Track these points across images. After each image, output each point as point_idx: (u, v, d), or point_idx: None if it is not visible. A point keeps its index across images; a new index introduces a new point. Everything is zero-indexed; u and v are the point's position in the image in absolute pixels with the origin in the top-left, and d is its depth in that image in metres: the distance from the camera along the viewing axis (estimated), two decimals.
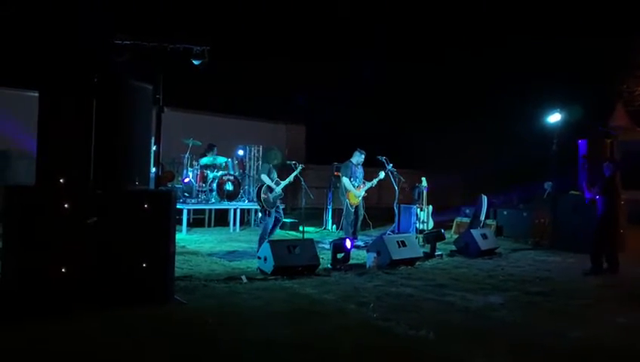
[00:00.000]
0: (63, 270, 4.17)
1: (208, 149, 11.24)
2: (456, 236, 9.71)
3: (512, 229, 10.63)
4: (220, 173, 10.67)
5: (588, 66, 15.19)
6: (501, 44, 16.10)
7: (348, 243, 6.71)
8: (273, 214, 7.78)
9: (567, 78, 14.90)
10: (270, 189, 7.70)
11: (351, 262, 7.10)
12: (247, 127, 14.98)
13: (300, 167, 7.78)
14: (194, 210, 10.99)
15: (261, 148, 11.95)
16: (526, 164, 15.46)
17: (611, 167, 7.08)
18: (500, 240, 9.70)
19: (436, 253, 7.87)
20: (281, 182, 7.86)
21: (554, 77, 15.12)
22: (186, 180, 10.44)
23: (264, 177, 7.72)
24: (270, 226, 7.78)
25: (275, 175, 7.88)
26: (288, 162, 8.15)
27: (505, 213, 10.95)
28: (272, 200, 7.76)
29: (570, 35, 15.51)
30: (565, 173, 9.84)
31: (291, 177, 7.86)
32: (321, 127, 17.11)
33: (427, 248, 8.00)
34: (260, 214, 8.20)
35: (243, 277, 5.77)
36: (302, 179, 7.93)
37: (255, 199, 7.70)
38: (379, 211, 12.60)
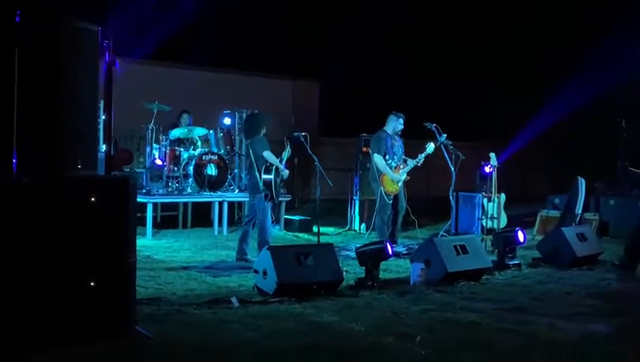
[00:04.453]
0: None
1: (180, 117, 11.28)
2: (540, 237, 9.63)
3: (623, 227, 10.46)
4: (199, 150, 10.72)
5: None
6: None
7: (388, 249, 6.71)
8: (270, 207, 7.93)
9: None
10: (277, 171, 7.82)
11: (386, 275, 7.07)
12: (237, 85, 15.01)
13: (288, 148, 7.97)
14: (163, 204, 11.07)
15: (248, 115, 11.94)
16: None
17: None
18: (605, 242, 9.59)
19: (512, 262, 7.83)
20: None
21: None
22: (158, 162, 10.52)
23: (269, 154, 7.90)
24: (270, 223, 7.92)
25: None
26: (296, 134, 8.18)
27: (612, 202, 10.83)
28: (279, 186, 7.94)
29: None
30: None
31: (283, 158, 8.01)
32: (342, 84, 17.03)
33: (498, 255, 7.94)
34: (248, 210, 8.31)
35: (233, 300, 5.80)
36: (315, 158, 7.93)
37: (263, 187, 7.81)
38: (428, 203, 12.55)
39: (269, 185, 7.79)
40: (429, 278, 6.71)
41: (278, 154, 8.08)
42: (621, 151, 9.15)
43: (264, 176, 7.81)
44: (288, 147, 8.08)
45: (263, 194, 7.84)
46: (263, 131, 8.08)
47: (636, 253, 7.78)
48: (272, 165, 7.81)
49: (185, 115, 11.34)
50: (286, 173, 8.07)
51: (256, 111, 10.01)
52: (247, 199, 8.46)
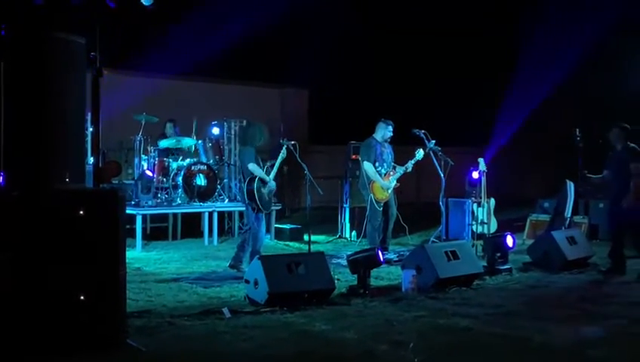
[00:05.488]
0: None
1: (164, 127, 11.26)
2: (530, 241, 9.65)
3: None
4: (187, 161, 10.69)
5: None
6: None
7: (380, 256, 6.70)
8: (263, 217, 7.87)
9: None
10: (263, 182, 7.78)
11: (377, 282, 7.08)
12: (225, 95, 15.00)
13: (284, 151, 7.88)
14: (152, 216, 11.03)
15: (245, 124, 11.94)
16: None
17: None
18: (595, 245, 9.64)
19: (503, 267, 7.85)
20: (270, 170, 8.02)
21: None
22: (149, 173, 10.48)
23: (253, 167, 7.80)
24: (263, 233, 7.87)
25: (260, 161, 7.99)
26: (282, 142, 8.17)
27: (601, 206, 10.86)
28: (267, 197, 7.85)
29: None
30: None
31: (277, 163, 7.94)
32: (331, 91, 17.06)
33: (487, 260, 7.96)
34: (246, 219, 8.27)
35: (225, 311, 5.78)
36: (305, 167, 7.93)
37: (247, 199, 7.76)
38: (418, 209, 12.57)
39: (251, 197, 7.72)
40: (420, 285, 6.71)
41: (272, 160, 8.08)
42: (580, 161, 9.25)
43: (247, 188, 7.79)
44: (284, 149, 7.99)
45: (251, 207, 7.85)
46: (259, 143, 8.01)
47: (620, 254, 7.85)
48: (255, 176, 7.76)
49: (169, 124, 11.31)
50: (273, 184, 7.96)
51: (246, 121, 10.01)
52: (243, 208, 8.42)
